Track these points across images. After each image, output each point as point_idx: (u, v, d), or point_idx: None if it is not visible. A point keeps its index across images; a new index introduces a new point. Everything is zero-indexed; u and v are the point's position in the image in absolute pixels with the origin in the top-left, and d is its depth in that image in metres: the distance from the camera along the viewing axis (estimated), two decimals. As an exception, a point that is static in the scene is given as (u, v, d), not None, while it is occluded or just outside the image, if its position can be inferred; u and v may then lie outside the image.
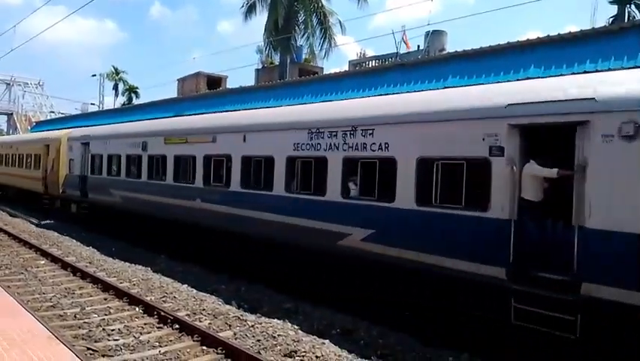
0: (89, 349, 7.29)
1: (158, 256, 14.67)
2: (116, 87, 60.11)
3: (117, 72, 59.99)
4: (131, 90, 59.68)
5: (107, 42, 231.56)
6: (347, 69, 29.70)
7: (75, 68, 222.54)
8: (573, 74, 9.06)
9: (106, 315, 9.04)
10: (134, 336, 7.96)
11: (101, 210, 19.31)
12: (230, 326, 8.62)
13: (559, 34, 11.61)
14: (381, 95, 12.92)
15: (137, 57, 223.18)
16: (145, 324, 8.63)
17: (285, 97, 17.86)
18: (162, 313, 8.87)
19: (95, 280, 11.29)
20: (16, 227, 19.90)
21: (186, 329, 8.22)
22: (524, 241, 7.07)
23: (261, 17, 31.03)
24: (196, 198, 13.45)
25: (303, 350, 7.45)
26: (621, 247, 6.11)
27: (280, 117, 11.92)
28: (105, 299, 10.11)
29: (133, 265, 13.59)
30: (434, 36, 28.77)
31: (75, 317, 8.88)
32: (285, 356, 7.38)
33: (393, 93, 12.59)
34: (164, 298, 10.21)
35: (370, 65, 28.43)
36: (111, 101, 59.83)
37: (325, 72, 31.97)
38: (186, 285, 11.55)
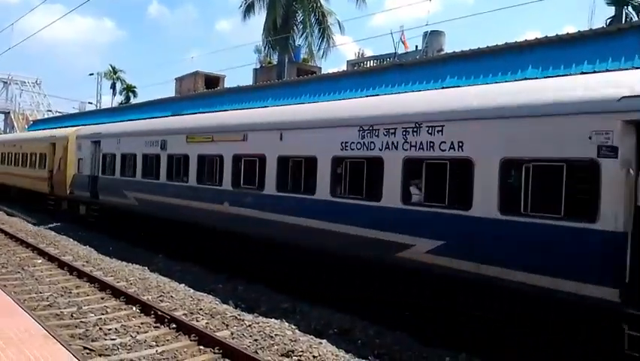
0: (85, 348, 7.27)
1: (155, 255, 14.65)
2: (113, 86, 60.02)
3: (115, 71, 59.87)
4: (129, 89, 59.58)
5: (106, 40, 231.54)
6: (345, 69, 29.70)
7: (73, 67, 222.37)
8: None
9: (103, 314, 9.01)
10: (131, 336, 7.94)
11: (113, 213, 18.34)
12: (227, 325, 8.61)
13: (557, 35, 11.64)
14: (450, 87, 11.27)
15: (136, 56, 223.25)
16: (142, 323, 8.61)
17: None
18: (159, 313, 8.84)
19: (92, 280, 11.25)
20: (14, 226, 19.82)
21: (183, 328, 8.20)
22: None
23: (260, 17, 31.09)
24: (224, 202, 12.43)
25: (300, 349, 7.45)
26: None
27: (325, 113, 10.79)
28: (102, 299, 10.08)
29: (130, 264, 13.56)
30: (432, 36, 28.80)
31: (72, 316, 8.85)
32: (282, 355, 7.38)
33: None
34: (161, 298, 10.19)
35: (368, 65, 28.45)
36: (109, 100, 59.78)
37: (323, 72, 31.94)
38: (183, 284, 11.53)
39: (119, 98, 59.39)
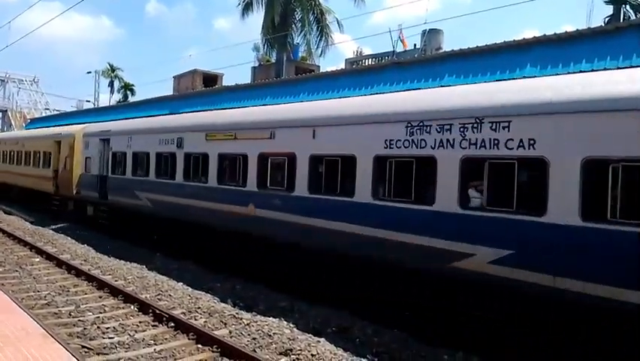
0: (83, 347, 7.27)
1: (153, 254, 14.63)
2: (111, 84, 59.91)
3: (113, 69, 59.70)
4: (127, 87, 59.46)
5: (104, 38, 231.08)
6: (343, 67, 29.70)
7: (72, 65, 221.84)
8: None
9: (101, 313, 9.00)
10: (129, 334, 7.94)
11: (124, 214, 17.57)
12: (225, 324, 8.60)
13: (555, 33, 11.65)
14: (513, 78, 10.41)
15: (134, 54, 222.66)
16: (140, 322, 8.60)
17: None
18: (157, 312, 8.84)
19: (90, 278, 11.24)
20: (11, 224, 19.78)
21: (181, 327, 8.20)
22: None
23: (259, 15, 31.07)
24: (248, 204, 11.73)
25: (298, 348, 7.45)
26: None
27: (365, 108, 9.88)
28: (100, 297, 10.07)
29: (128, 263, 13.55)
30: (430, 35, 28.84)
31: (70, 314, 8.84)
32: (280, 354, 7.38)
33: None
34: (159, 296, 10.18)
35: (367, 63, 28.45)
36: (106, 99, 59.68)
37: (322, 71, 31.94)
38: (182, 283, 11.53)
39: (117, 97, 59.35)
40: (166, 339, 7.87)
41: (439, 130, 8.03)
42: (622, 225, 6.10)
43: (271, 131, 11.38)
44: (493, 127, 7.35)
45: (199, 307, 9.44)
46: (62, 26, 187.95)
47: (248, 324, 8.56)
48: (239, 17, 32.15)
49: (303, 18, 30.18)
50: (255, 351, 7.33)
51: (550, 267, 6.62)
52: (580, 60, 10.24)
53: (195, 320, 8.73)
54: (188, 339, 7.82)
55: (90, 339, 7.64)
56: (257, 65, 39.72)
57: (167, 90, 41.58)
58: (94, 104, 53.67)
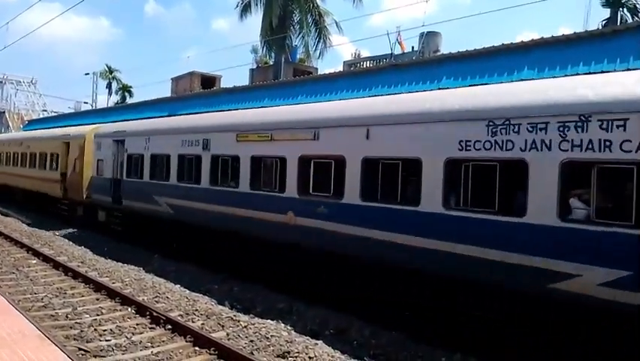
0: (80, 349, 7.24)
1: (151, 255, 14.61)
2: (109, 86, 59.89)
3: (111, 71, 59.70)
4: (125, 89, 59.45)
5: (102, 39, 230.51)
6: (341, 70, 29.74)
7: (71, 65, 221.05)
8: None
9: (98, 315, 8.97)
10: (126, 337, 7.91)
11: (139, 219, 16.54)
12: (223, 326, 8.59)
13: (553, 36, 11.70)
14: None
15: (132, 55, 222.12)
16: (137, 324, 8.58)
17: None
18: (155, 314, 8.82)
19: (87, 280, 11.21)
20: (8, 226, 19.73)
21: (179, 329, 8.18)
22: None
23: (257, 16, 31.09)
24: (287, 212, 10.69)
25: (296, 350, 7.44)
26: None
27: (433, 103, 8.64)
28: (97, 299, 10.04)
29: (125, 264, 13.52)
30: (428, 37, 28.91)
31: (67, 317, 8.81)
32: (278, 356, 7.37)
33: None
34: (156, 299, 10.16)
35: (365, 66, 28.48)
36: (104, 100, 59.64)
37: (320, 73, 31.97)
38: (179, 285, 11.52)
39: (115, 98, 59.33)
40: (163, 341, 7.84)
41: (530, 129, 7.00)
42: None
43: (315, 132, 10.35)
44: (604, 126, 6.35)
45: (196, 310, 9.43)
46: (62, 27, 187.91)
47: (245, 326, 8.54)
48: (237, 19, 32.21)
49: (301, 20, 30.21)
50: (253, 354, 7.32)
51: None
52: (577, 63, 10.29)
53: (193, 322, 8.71)
54: (186, 341, 7.79)
55: (87, 341, 7.61)
56: (255, 67, 39.75)
57: (165, 92, 41.53)
58: (92, 105, 53.69)
